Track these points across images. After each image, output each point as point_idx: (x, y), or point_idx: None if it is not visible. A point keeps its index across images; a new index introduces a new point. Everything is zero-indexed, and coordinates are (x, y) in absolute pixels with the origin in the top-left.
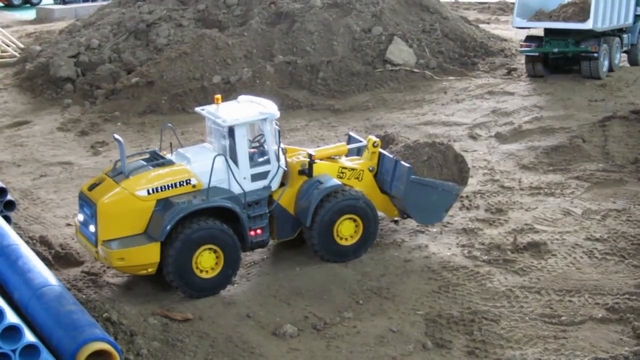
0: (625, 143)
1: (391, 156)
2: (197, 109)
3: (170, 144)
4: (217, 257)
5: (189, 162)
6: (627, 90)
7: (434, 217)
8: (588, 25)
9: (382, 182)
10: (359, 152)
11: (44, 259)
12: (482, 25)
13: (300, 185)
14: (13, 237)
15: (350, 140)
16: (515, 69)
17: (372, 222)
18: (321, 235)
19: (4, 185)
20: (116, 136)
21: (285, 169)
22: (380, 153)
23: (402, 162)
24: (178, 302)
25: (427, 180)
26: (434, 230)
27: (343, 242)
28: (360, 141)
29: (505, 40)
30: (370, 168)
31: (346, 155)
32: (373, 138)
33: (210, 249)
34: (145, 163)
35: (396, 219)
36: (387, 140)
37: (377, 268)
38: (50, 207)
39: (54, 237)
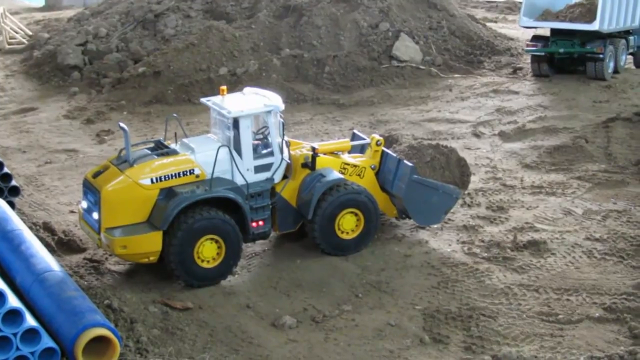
0: (628, 145)
1: (395, 155)
2: (203, 100)
3: (175, 134)
4: (218, 248)
5: (193, 152)
6: (632, 92)
7: (433, 218)
8: (594, 26)
9: (383, 181)
10: (362, 149)
11: (47, 245)
12: (489, 24)
13: (303, 178)
14: (17, 222)
15: (354, 137)
16: (520, 68)
17: (373, 217)
18: (322, 228)
19: (8, 171)
20: (121, 124)
21: (289, 161)
22: (383, 152)
23: (405, 162)
24: (179, 291)
25: (428, 181)
26: (435, 226)
27: (344, 236)
28: (364, 139)
29: (512, 39)
30: (372, 166)
31: (349, 152)
32: (376, 136)
33: (212, 239)
34: (149, 152)
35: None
36: (390, 140)
37: (377, 262)
38: (54, 193)
39: (58, 223)
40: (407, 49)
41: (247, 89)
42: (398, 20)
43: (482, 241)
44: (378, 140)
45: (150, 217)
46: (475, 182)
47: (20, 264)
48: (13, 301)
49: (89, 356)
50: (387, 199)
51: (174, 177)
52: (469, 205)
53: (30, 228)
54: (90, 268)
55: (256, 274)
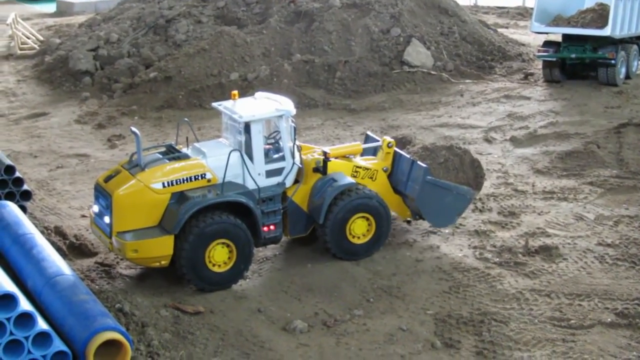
0: None
1: (408, 156)
2: (214, 104)
3: (187, 138)
4: (229, 252)
5: (205, 157)
6: None
7: (447, 219)
8: (606, 31)
9: (397, 182)
10: (375, 152)
11: (58, 249)
12: (500, 30)
13: (315, 183)
14: (28, 226)
15: (367, 139)
16: (532, 74)
17: (384, 221)
18: (334, 232)
19: (20, 175)
20: (133, 128)
21: (300, 166)
22: (397, 153)
23: (419, 163)
24: (190, 295)
25: (442, 182)
26: (446, 231)
27: (355, 241)
28: (378, 140)
29: (523, 44)
30: (384, 168)
31: (361, 155)
32: (388, 138)
33: (223, 243)
34: (161, 156)
35: (408, 219)
36: (404, 142)
37: (389, 267)
38: (65, 198)
39: (69, 227)
40: (418, 54)
41: (258, 94)
42: (409, 25)
43: (494, 246)
44: (389, 143)
45: (161, 221)
46: (486, 187)
47: (31, 268)
48: (25, 304)
49: None
50: (400, 200)
51: (185, 182)
52: (480, 211)
53: (42, 232)
54: (102, 272)
55: (267, 278)
